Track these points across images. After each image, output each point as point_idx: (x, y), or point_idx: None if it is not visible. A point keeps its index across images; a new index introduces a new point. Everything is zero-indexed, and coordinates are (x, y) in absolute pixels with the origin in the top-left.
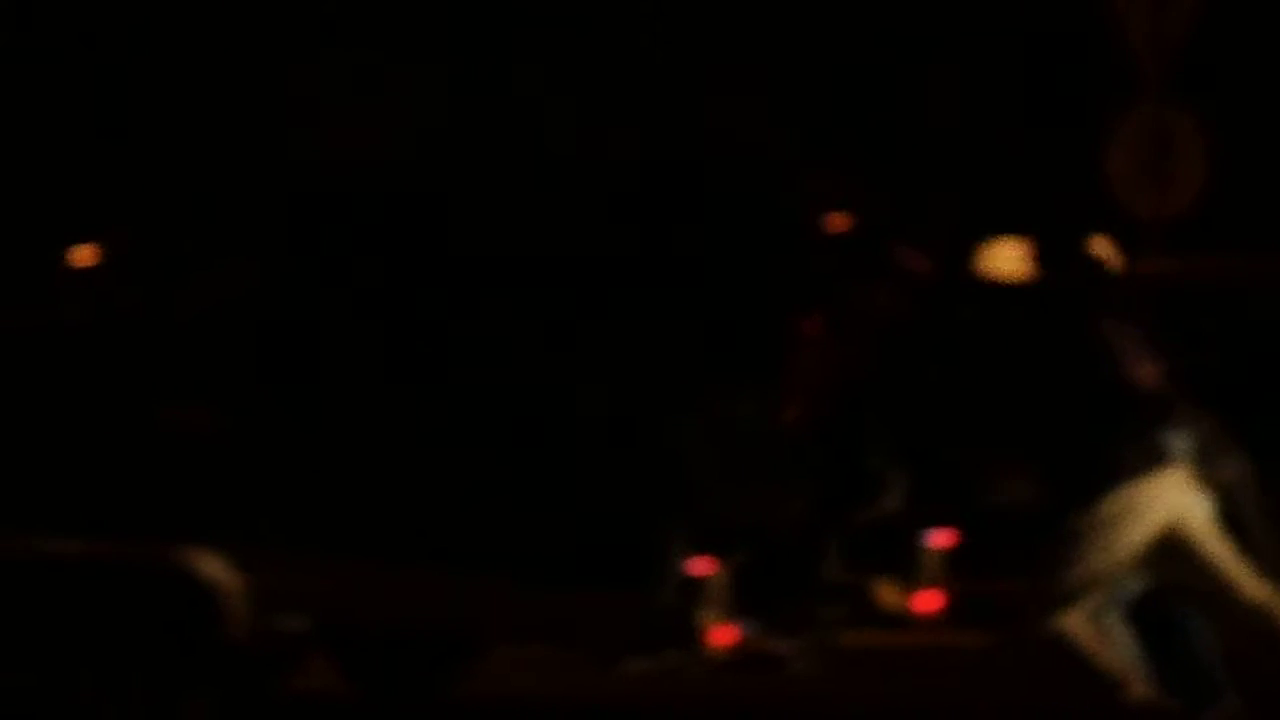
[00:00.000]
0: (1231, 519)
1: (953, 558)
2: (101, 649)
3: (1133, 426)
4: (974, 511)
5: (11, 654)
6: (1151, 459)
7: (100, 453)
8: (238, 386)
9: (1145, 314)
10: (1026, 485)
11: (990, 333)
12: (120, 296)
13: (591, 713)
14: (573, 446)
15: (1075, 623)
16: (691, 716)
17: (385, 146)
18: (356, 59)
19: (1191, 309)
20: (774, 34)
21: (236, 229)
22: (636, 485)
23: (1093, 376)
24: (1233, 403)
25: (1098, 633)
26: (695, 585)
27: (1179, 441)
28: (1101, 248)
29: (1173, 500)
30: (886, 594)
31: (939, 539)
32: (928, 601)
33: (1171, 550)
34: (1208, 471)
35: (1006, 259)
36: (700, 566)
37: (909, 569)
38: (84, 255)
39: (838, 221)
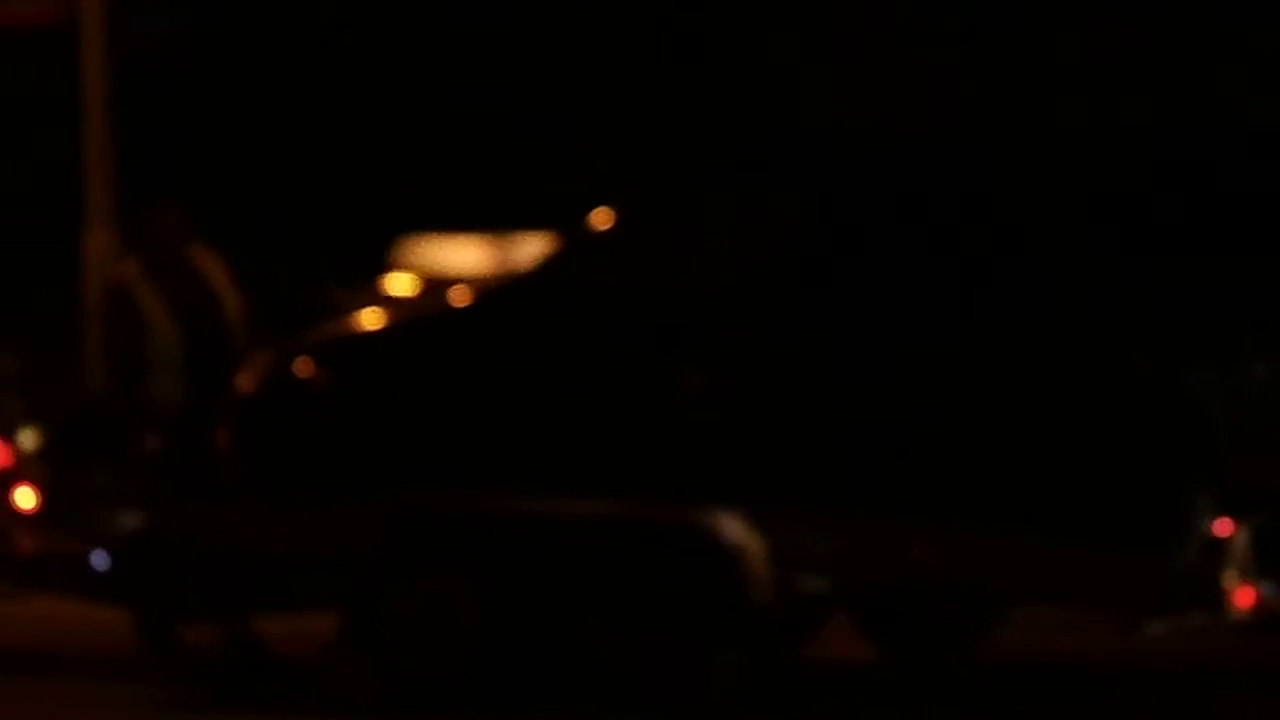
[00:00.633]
0: None
1: None
2: (626, 610)
3: None
4: None
5: (541, 613)
6: None
7: (623, 417)
8: (757, 350)
9: None
10: None
11: None
12: (637, 260)
13: (1111, 674)
14: (1102, 408)
15: None
16: (1211, 677)
17: (887, 113)
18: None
19: None
20: None
21: (757, 196)
22: (1163, 447)
23: None
24: None
25: None
26: (1218, 547)
27: None
28: None
29: None
30: None
31: None
32: None
33: None
34: None
35: None
36: (1222, 528)
37: None
38: (603, 219)
39: None
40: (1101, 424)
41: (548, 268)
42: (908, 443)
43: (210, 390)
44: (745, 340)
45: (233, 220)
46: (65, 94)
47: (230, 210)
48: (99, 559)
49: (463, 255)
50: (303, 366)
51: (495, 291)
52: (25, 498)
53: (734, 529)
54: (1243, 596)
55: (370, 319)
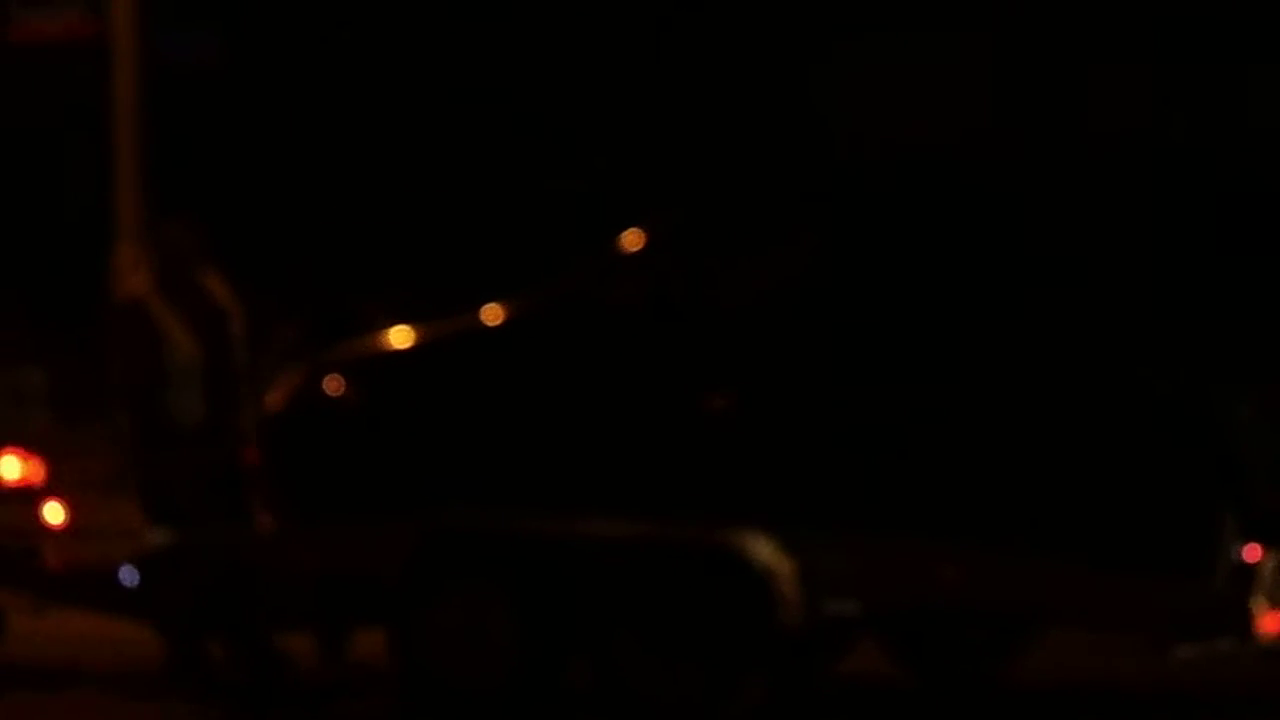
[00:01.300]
0: None
1: None
2: (655, 630)
3: None
4: None
5: (570, 633)
6: None
7: (652, 436)
8: (785, 370)
9: None
10: None
11: None
12: (668, 280)
13: (1141, 697)
14: (1132, 432)
15: None
16: (1239, 702)
17: (919, 128)
18: (896, 41)
19: None
20: None
21: (784, 216)
22: (1193, 471)
23: None
24: None
25: None
26: (1247, 572)
27: None
28: None
29: None
30: None
31: None
32: None
33: None
34: None
35: None
36: (1251, 553)
37: None
38: (633, 239)
39: None
40: (1131, 448)
41: (578, 287)
42: (937, 464)
43: (230, 406)
44: (776, 361)
45: (262, 234)
46: (96, 108)
47: (260, 224)
48: (127, 574)
49: None
50: (333, 384)
51: (525, 310)
52: (54, 513)
53: (764, 550)
54: (1271, 622)
55: (400, 336)
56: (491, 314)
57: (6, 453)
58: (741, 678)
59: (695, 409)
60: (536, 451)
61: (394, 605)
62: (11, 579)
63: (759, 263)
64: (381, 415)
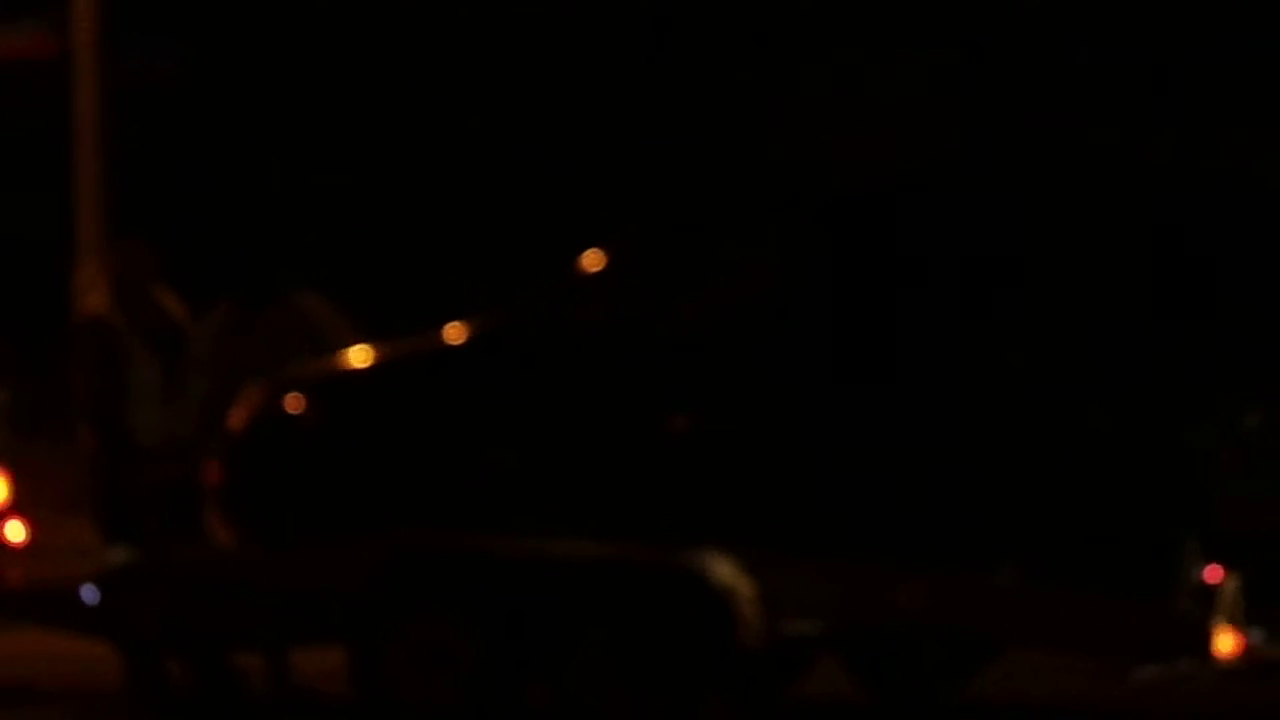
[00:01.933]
0: None
1: None
2: (616, 651)
3: None
4: None
5: (531, 652)
6: None
7: (612, 457)
8: (745, 391)
9: None
10: None
11: None
12: (628, 302)
13: (1099, 717)
14: (1092, 454)
15: None
16: None
17: (886, 150)
18: (851, 59)
19: None
20: None
21: (744, 238)
22: (1154, 494)
23: None
24: None
25: None
26: (1208, 593)
27: None
28: None
29: None
30: None
31: None
32: None
33: None
34: None
35: None
36: (1212, 574)
37: None
38: (594, 260)
39: None
40: (1092, 470)
41: (539, 308)
42: (897, 486)
43: (188, 424)
44: (736, 382)
45: (225, 250)
46: (58, 126)
47: (223, 240)
48: (88, 593)
49: None
50: (294, 403)
51: (487, 331)
52: (15, 531)
53: (724, 571)
54: (1232, 643)
55: (362, 356)
56: (454, 333)
57: None
58: (702, 698)
59: (656, 430)
60: (497, 472)
61: (355, 625)
62: None
63: (719, 284)
64: (343, 435)
